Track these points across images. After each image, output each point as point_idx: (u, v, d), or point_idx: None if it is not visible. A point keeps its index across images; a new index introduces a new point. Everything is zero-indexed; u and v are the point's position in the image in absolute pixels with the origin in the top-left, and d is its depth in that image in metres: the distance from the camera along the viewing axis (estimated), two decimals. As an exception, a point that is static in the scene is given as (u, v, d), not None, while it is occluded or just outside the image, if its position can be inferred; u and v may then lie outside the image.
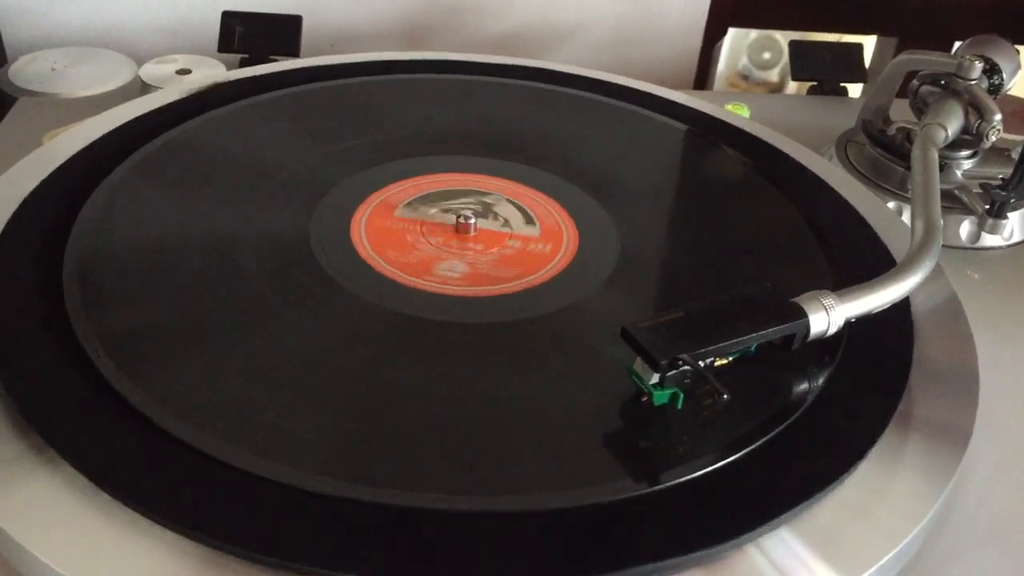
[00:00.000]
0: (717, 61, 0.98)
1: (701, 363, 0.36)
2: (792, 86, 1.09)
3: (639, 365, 0.37)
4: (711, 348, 0.36)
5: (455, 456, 0.35)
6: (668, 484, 0.35)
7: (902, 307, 0.44)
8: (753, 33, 1.05)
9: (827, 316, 0.39)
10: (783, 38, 1.05)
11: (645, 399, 0.37)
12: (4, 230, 0.44)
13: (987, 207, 0.55)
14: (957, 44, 0.94)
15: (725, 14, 0.92)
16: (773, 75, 1.08)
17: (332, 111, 0.58)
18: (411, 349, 0.41)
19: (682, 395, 0.36)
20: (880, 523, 0.35)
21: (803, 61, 0.76)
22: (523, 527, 0.33)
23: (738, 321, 0.37)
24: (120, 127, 0.53)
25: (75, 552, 0.31)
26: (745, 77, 1.08)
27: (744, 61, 1.07)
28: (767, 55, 1.07)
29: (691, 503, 0.34)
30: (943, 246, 0.51)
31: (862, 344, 0.42)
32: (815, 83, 0.77)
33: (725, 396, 0.34)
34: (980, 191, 0.56)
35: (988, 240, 0.57)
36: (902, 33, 0.95)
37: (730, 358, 0.38)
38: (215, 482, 0.33)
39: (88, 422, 0.35)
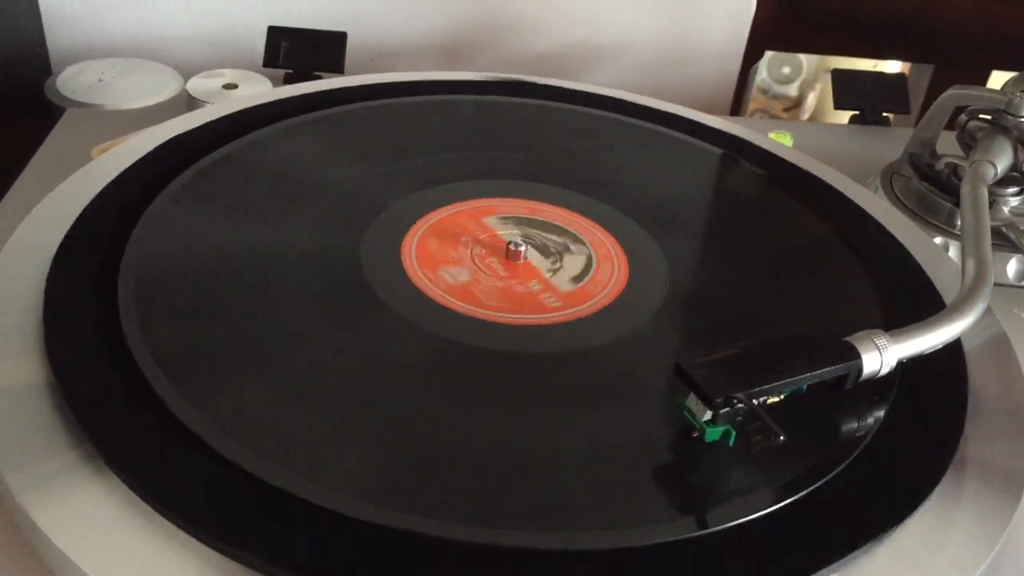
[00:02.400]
0: (752, 84, 0.98)
1: (755, 401, 0.35)
2: (811, 101, 1.09)
3: (692, 401, 0.36)
4: (766, 387, 0.36)
5: (496, 490, 0.35)
6: (714, 529, 0.34)
7: (954, 346, 0.43)
8: (795, 53, 1.05)
9: (880, 356, 0.39)
10: (804, 58, 1.05)
11: (696, 435, 0.37)
12: (61, 246, 0.44)
13: (1035, 245, 0.54)
14: (995, 74, 0.94)
15: (763, 37, 0.92)
16: (792, 89, 1.08)
17: (385, 130, 0.58)
18: (458, 377, 0.41)
19: (734, 433, 0.36)
20: (934, 574, 0.35)
21: (846, 90, 0.76)
22: (562, 567, 0.33)
23: (792, 360, 0.37)
24: (169, 142, 0.53)
25: (118, 565, 0.31)
26: (764, 91, 1.08)
27: (764, 75, 1.07)
28: (787, 70, 1.07)
29: (738, 549, 0.34)
30: (992, 284, 0.51)
31: (914, 385, 0.42)
32: (857, 112, 0.76)
33: (782, 437, 0.34)
34: (1028, 228, 0.56)
35: (1036, 279, 0.56)
36: (939, 60, 0.94)
37: (782, 396, 0.38)
38: (262, 503, 0.33)
39: (139, 436, 0.35)
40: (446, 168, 0.55)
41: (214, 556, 0.32)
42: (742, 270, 0.51)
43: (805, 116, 1.09)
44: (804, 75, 1.08)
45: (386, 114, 0.60)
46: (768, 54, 1.03)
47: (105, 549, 0.32)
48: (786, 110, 1.09)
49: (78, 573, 0.31)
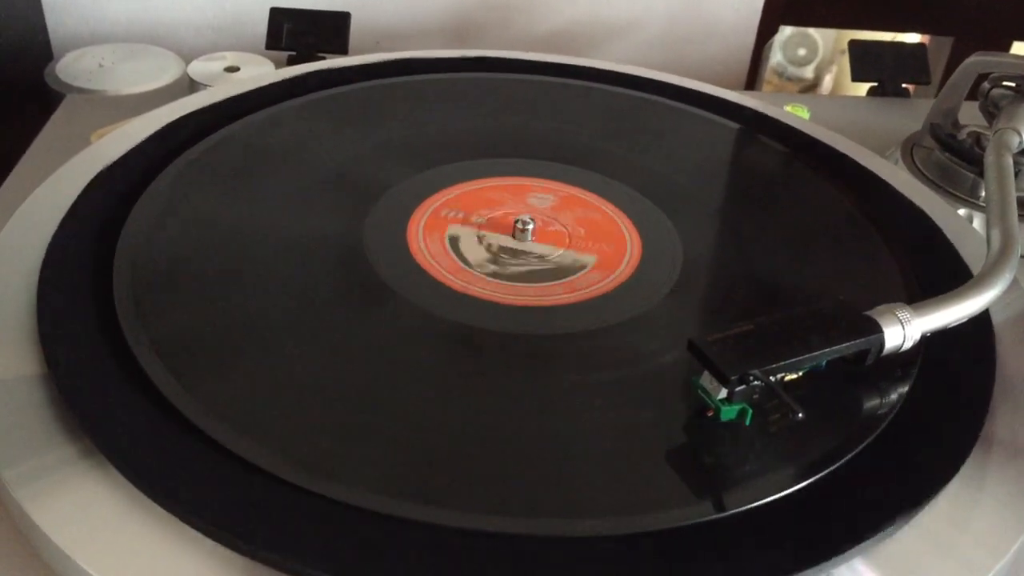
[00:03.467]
0: (768, 59, 0.96)
1: (772, 378, 0.34)
2: (827, 83, 1.07)
3: (706, 379, 0.35)
4: (783, 363, 0.34)
5: (508, 476, 0.34)
6: (734, 511, 0.33)
7: (982, 319, 0.42)
8: (788, 30, 1.03)
9: (903, 330, 0.37)
10: (819, 35, 1.03)
11: (711, 414, 0.35)
12: (56, 232, 0.43)
13: (1063, 215, 0.53)
14: (1016, 44, 0.92)
15: (777, 12, 0.90)
16: (808, 72, 1.06)
17: (388, 111, 0.57)
18: (467, 360, 0.40)
19: (751, 411, 0.35)
20: (961, 556, 0.33)
21: (864, 61, 0.74)
22: (575, 553, 0.31)
23: (810, 335, 0.36)
24: (169, 126, 0.52)
25: (120, 561, 0.30)
26: (780, 73, 1.06)
27: (779, 57, 1.05)
28: (802, 51, 1.05)
29: (759, 531, 0.32)
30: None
31: (940, 359, 0.40)
32: (875, 84, 0.74)
33: (800, 415, 0.32)
34: (1055, 198, 0.54)
35: (1063, 249, 0.54)
36: (958, 32, 0.92)
37: (800, 373, 0.36)
38: (264, 493, 0.32)
39: (137, 427, 0.34)
40: (452, 148, 0.54)
41: (218, 549, 0.30)
42: (760, 246, 0.50)
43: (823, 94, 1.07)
44: (820, 57, 1.06)
45: (388, 94, 0.59)
46: (784, 33, 1.01)
47: (106, 545, 0.31)
48: (802, 92, 1.07)
49: (78, 571, 0.30)
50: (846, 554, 0.32)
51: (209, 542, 0.31)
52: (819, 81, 1.08)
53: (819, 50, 1.06)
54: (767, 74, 1.02)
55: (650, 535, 0.32)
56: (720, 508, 0.33)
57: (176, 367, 0.36)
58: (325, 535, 0.31)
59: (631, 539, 0.32)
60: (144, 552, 0.30)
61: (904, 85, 0.73)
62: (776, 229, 0.51)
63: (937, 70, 0.92)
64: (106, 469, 0.33)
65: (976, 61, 0.58)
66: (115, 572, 0.30)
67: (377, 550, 0.31)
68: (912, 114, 0.66)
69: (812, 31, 1.03)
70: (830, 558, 0.31)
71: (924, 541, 0.33)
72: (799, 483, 0.34)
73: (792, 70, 1.06)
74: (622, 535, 0.32)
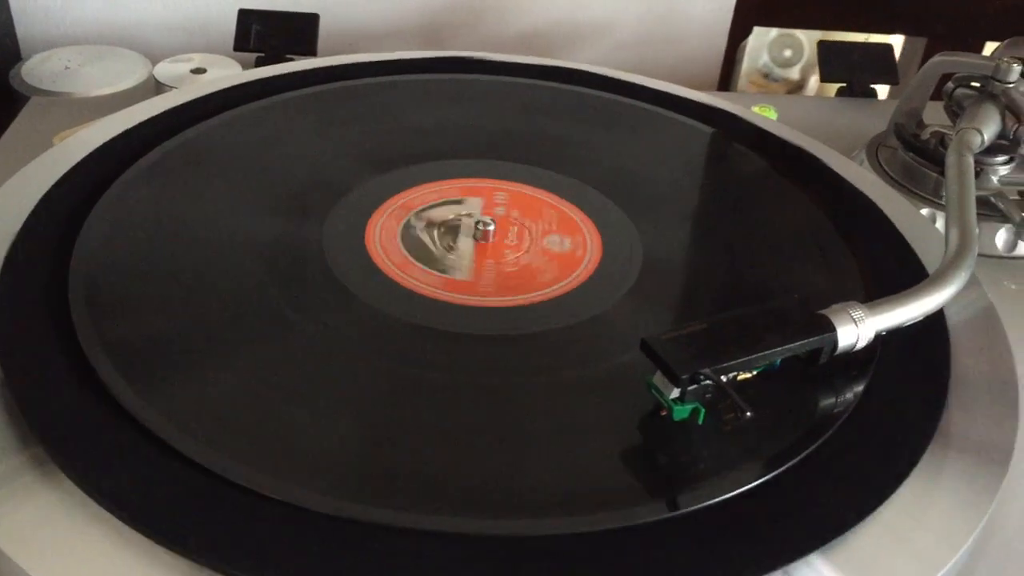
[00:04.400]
0: (742, 61, 0.96)
1: (724, 378, 0.34)
2: (813, 85, 1.07)
3: (659, 379, 0.35)
4: (734, 362, 0.35)
5: (461, 476, 0.34)
6: (689, 509, 0.33)
7: (938, 318, 0.42)
8: (774, 31, 1.03)
9: (856, 329, 0.37)
10: (805, 36, 1.03)
11: (664, 413, 0.35)
12: (16, 236, 0.43)
13: (1024, 214, 0.53)
14: (988, 45, 0.92)
15: (750, 13, 0.90)
16: (794, 73, 1.06)
17: (350, 112, 0.57)
18: (422, 360, 0.40)
19: (703, 410, 0.35)
20: (919, 550, 0.33)
21: (832, 62, 0.74)
22: (529, 552, 0.31)
23: (763, 334, 0.36)
24: (131, 129, 0.52)
25: (69, 571, 0.30)
26: (766, 75, 1.06)
27: (765, 59, 1.05)
28: (788, 52, 1.05)
29: (716, 529, 0.33)
30: (978, 255, 0.50)
31: (897, 358, 0.40)
32: (844, 84, 0.75)
33: (748, 413, 0.33)
34: (1017, 198, 0.54)
35: (1025, 249, 0.55)
36: (931, 33, 0.92)
37: (754, 372, 0.36)
38: (223, 502, 0.32)
39: (93, 437, 0.34)
40: (413, 149, 0.54)
41: (174, 559, 0.30)
42: (722, 245, 0.50)
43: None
44: (806, 58, 1.07)
45: (351, 95, 0.58)
46: (770, 35, 1.01)
47: (58, 556, 0.30)
48: (788, 93, 1.07)
49: None
50: (804, 552, 0.32)
51: (164, 552, 0.30)
52: (805, 82, 1.08)
53: (804, 51, 1.06)
54: (752, 74, 1.03)
55: (605, 534, 0.32)
56: (675, 507, 0.33)
57: (132, 373, 0.36)
58: (284, 542, 0.31)
59: (585, 538, 0.32)
60: (97, 563, 0.30)
61: (872, 85, 0.74)
62: (738, 229, 0.51)
63: (911, 71, 0.92)
64: (60, 479, 0.32)
65: (940, 61, 0.59)
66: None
67: (331, 553, 0.30)
68: (880, 114, 0.66)
69: (798, 32, 1.03)
70: (789, 556, 0.32)
71: (881, 537, 0.33)
72: (755, 481, 0.34)
73: (778, 71, 1.06)
74: (576, 534, 0.32)
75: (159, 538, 0.30)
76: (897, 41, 0.97)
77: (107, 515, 0.31)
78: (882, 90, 0.76)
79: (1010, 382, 0.41)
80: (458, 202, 0.50)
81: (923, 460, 0.36)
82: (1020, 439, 0.38)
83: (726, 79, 0.92)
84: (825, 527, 0.33)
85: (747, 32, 0.92)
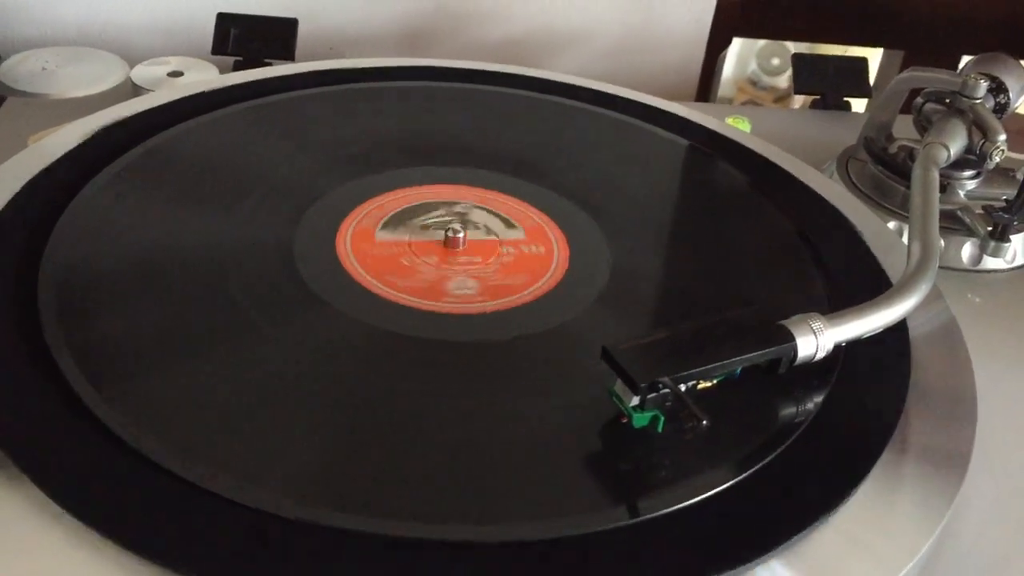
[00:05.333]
0: (721, 72, 0.97)
1: (683, 386, 0.35)
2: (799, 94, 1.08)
3: (620, 387, 0.35)
4: (693, 371, 0.35)
5: (424, 483, 0.34)
6: (649, 515, 0.33)
7: (900, 330, 0.43)
8: (762, 40, 1.04)
9: (816, 340, 0.38)
10: (793, 45, 1.04)
11: (625, 421, 0.36)
12: None
13: (990, 229, 0.54)
14: (965, 59, 0.93)
15: (730, 24, 0.91)
16: (782, 81, 1.07)
17: (323, 118, 0.57)
18: (389, 366, 0.40)
19: (663, 418, 0.35)
20: (876, 554, 0.34)
21: (806, 74, 0.75)
22: (491, 559, 0.32)
23: (723, 344, 0.36)
24: (104, 130, 0.52)
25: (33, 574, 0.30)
26: (754, 83, 1.07)
27: (753, 67, 1.06)
28: (776, 61, 1.06)
29: (675, 534, 0.33)
30: (943, 268, 0.50)
31: (859, 367, 0.41)
32: (818, 97, 0.75)
33: (704, 422, 0.33)
34: (983, 212, 0.55)
35: (990, 263, 0.55)
36: (908, 46, 0.93)
37: (715, 381, 0.37)
38: (189, 507, 0.32)
39: (57, 440, 0.34)
40: (385, 155, 0.54)
41: (140, 564, 0.30)
42: (688, 255, 0.50)
43: (795, 107, 1.08)
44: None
45: (325, 102, 0.59)
46: (758, 42, 1.02)
47: (20, 558, 0.30)
48: (776, 101, 1.08)
49: None
50: (764, 555, 0.32)
51: (125, 554, 0.30)
52: (792, 91, 1.09)
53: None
54: (740, 82, 1.03)
55: (566, 540, 0.32)
56: (635, 513, 0.34)
57: (98, 376, 0.36)
58: (251, 547, 0.31)
59: (546, 544, 0.32)
60: (60, 566, 0.30)
61: (846, 99, 0.74)
62: (707, 240, 0.51)
63: (887, 84, 0.93)
64: (21, 482, 0.32)
65: (909, 76, 0.59)
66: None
67: (297, 559, 0.30)
68: (852, 127, 0.67)
69: (787, 42, 1.04)
70: (747, 558, 0.32)
71: (840, 542, 0.34)
72: (715, 488, 0.34)
73: (766, 79, 1.07)
74: (537, 540, 0.32)
75: (120, 540, 0.30)
76: (875, 55, 0.98)
77: (69, 517, 0.31)
78: (859, 104, 0.77)
79: (968, 393, 0.42)
80: (429, 208, 0.50)
81: (882, 467, 0.37)
82: (977, 448, 0.39)
83: (705, 90, 0.92)
84: (783, 529, 0.33)
85: (726, 43, 0.93)
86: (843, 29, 0.95)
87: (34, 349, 0.37)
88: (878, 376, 0.41)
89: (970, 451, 0.39)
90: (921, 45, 0.93)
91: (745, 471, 0.35)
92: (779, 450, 0.36)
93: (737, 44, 0.96)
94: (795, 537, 0.33)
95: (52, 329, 0.38)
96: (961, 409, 0.41)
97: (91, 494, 0.32)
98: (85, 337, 0.38)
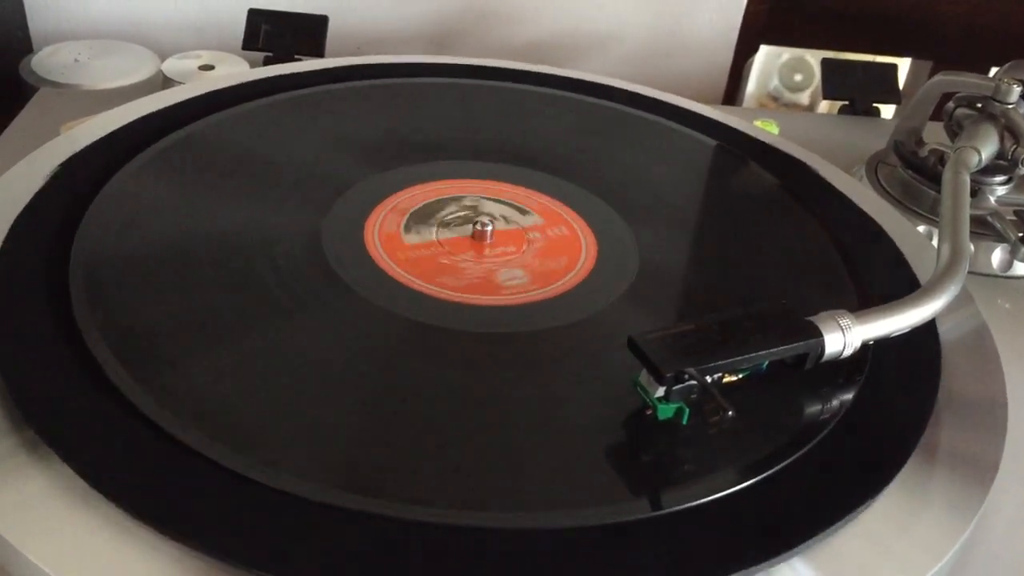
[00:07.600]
0: (748, 78, 0.96)
1: (708, 378, 0.34)
2: (823, 109, 1.07)
3: (645, 377, 0.35)
4: (719, 363, 0.35)
5: (450, 470, 0.34)
6: (672, 509, 0.33)
7: (930, 333, 0.42)
8: (785, 55, 1.04)
9: (843, 337, 0.37)
10: (815, 60, 1.04)
11: (649, 412, 0.35)
12: (15, 222, 0.43)
13: (1020, 235, 0.53)
14: (994, 71, 0.93)
15: (757, 31, 0.91)
16: (803, 97, 1.07)
17: (354, 112, 0.58)
18: (418, 356, 0.40)
19: (688, 411, 0.35)
20: (901, 557, 0.33)
21: (836, 79, 0.74)
22: (516, 547, 0.31)
23: (749, 337, 0.36)
24: (137, 121, 0.52)
25: (69, 556, 0.30)
26: (775, 99, 1.07)
27: (775, 82, 1.05)
28: (798, 77, 1.05)
29: (697, 529, 0.33)
30: (974, 273, 0.50)
31: (888, 369, 0.40)
32: (847, 103, 0.75)
33: (730, 413, 0.33)
34: (1014, 218, 0.54)
35: (1020, 269, 0.55)
36: (937, 56, 0.93)
37: (740, 375, 0.37)
38: (218, 489, 0.32)
39: (88, 421, 0.34)
40: (413, 149, 0.54)
41: (170, 547, 0.30)
42: (719, 255, 0.50)
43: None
44: (816, 83, 1.07)
45: (356, 96, 0.59)
46: (781, 59, 1.01)
47: (51, 538, 0.30)
48: (797, 115, 1.07)
49: (25, 564, 0.30)
50: (786, 553, 0.32)
51: (156, 536, 0.30)
52: (814, 107, 1.09)
53: (815, 76, 1.07)
54: (762, 97, 1.03)
55: (589, 530, 0.32)
56: (656, 506, 0.33)
57: (128, 357, 0.36)
58: (278, 530, 0.31)
59: (570, 533, 0.32)
60: (93, 547, 0.30)
61: (875, 104, 0.74)
62: (736, 239, 0.51)
63: (916, 91, 0.92)
64: (53, 462, 0.32)
65: (940, 81, 0.59)
66: (60, 564, 0.30)
67: (329, 544, 0.31)
68: (881, 132, 0.67)
69: (808, 57, 1.04)
70: (769, 556, 0.32)
71: (865, 544, 0.34)
72: (740, 483, 0.34)
73: (788, 95, 1.07)
74: (561, 529, 0.32)
75: (150, 522, 0.30)
76: (904, 62, 0.97)
77: (99, 497, 0.31)
78: (887, 110, 0.77)
79: (999, 399, 0.41)
80: (457, 201, 0.50)
81: (910, 471, 0.36)
82: (1006, 455, 0.38)
83: (731, 95, 0.92)
84: (806, 528, 0.33)
85: (753, 50, 0.93)
86: (870, 38, 0.94)
87: (65, 332, 0.37)
88: (908, 379, 0.41)
89: (999, 458, 0.38)
90: (950, 55, 0.93)
91: (770, 468, 0.35)
92: (805, 449, 0.36)
93: (761, 56, 0.96)
94: (818, 536, 0.33)
95: (83, 311, 0.38)
96: (991, 416, 0.40)
97: (120, 474, 0.32)
98: (115, 318, 0.38)
